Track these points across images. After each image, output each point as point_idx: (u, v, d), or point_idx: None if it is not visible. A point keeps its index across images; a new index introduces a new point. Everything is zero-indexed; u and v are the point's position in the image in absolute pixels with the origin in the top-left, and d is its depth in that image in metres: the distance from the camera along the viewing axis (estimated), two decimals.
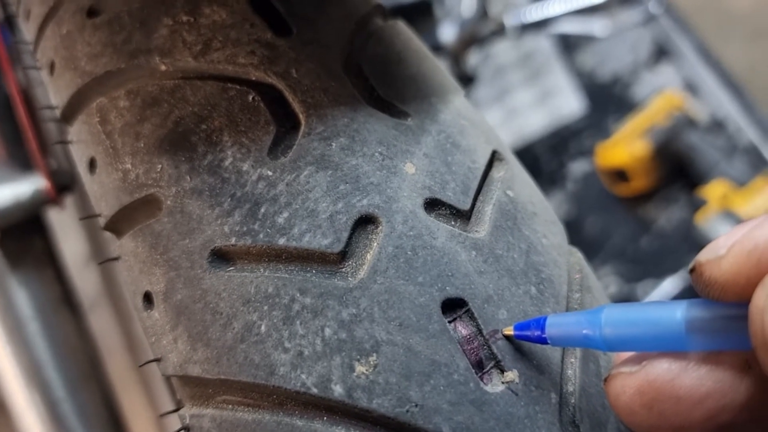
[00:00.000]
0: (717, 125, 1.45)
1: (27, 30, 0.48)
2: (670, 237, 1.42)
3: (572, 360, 0.32)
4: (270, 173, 0.32)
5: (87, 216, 0.39)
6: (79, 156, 0.40)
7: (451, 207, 0.33)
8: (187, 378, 0.32)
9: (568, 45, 1.76)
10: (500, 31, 1.47)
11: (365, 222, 0.31)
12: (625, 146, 1.41)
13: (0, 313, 0.73)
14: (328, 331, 0.29)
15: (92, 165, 0.38)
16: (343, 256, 0.31)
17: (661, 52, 1.66)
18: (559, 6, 1.72)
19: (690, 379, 0.25)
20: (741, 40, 2.13)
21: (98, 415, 0.77)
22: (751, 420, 0.24)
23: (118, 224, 0.37)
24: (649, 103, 1.49)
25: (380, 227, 0.31)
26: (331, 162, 0.33)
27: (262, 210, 0.32)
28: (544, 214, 0.37)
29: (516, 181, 0.37)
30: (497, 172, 0.37)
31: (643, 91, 1.61)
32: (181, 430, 0.33)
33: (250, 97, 0.34)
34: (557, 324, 0.29)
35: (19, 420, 0.75)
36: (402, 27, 0.42)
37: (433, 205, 0.33)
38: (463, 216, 0.33)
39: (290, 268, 0.31)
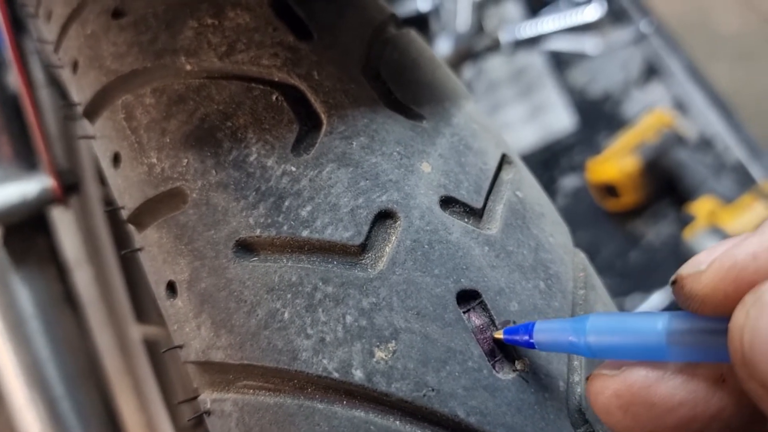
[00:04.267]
0: (705, 143, 1.48)
1: (48, 30, 0.49)
2: (659, 252, 1.44)
3: None
4: (294, 169, 0.34)
5: (111, 208, 0.40)
6: (102, 151, 0.41)
7: (464, 205, 0.35)
8: (209, 364, 0.33)
9: (560, 62, 1.79)
10: (495, 46, 1.49)
11: (384, 217, 0.33)
12: (616, 162, 1.44)
13: (1, 311, 0.73)
14: (349, 319, 0.31)
15: (116, 159, 0.39)
16: (363, 248, 0.32)
17: (651, 71, 1.70)
18: (552, 23, 1.75)
19: (665, 387, 0.26)
20: (727, 60, 2.17)
21: (96, 413, 0.78)
22: (722, 431, 0.26)
23: (140, 216, 0.38)
24: (639, 120, 1.52)
25: (398, 222, 0.33)
26: (352, 159, 0.34)
27: (286, 203, 0.33)
28: (550, 215, 0.39)
29: (524, 183, 0.39)
30: (506, 174, 0.38)
31: (633, 109, 1.64)
32: (201, 414, 0.34)
33: (274, 97, 0.36)
34: (544, 330, 0.30)
35: (19, 417, 0.75)
36: (415, 36, 0.44)
37: (447, 202, 0.34)
38: (476, 214, 0.35)
39: (312, 259, 0.32)
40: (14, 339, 0.74)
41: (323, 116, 0.35)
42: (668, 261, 1.41)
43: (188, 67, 0.38)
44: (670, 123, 1.46)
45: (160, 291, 0.36)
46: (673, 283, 0.25)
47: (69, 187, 0.71)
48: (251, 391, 0.32)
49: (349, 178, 0.34)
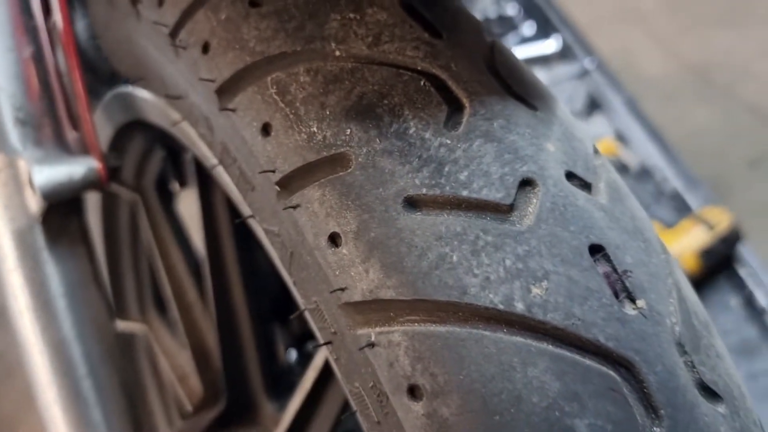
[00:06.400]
0: (645, 173, 1.63)
1: (158, 14, 0.54)
2: None
3: (671, 300, 0.41)
4: (448, 141, 0.41)
5: (264, 170, 0.45)
6: (246, 121, 0.46)
7: (581, 179, 0.42)
8: (376, 302, 0.39)
9: None
10: None
11: (525, 183, 0.40)
12: None
13: (33, 288, 0.75)
14: (508, 262, 0.37)
15: (266, 129, 0.44)
16: (511, 207, 0.39)
17: (594, 105, 1.85)
18: None
19: None
20: (652, 102, 2.37)
21: (116, 394, 0.80)
22: None
23: (293, 179, 0.43)
24: None
25: (537, 188, 0.40)
26: (495, 137, 0.41)
27: (446, 169, 0.40)
28: (632, 196, 0.47)
29: (610, 169, 0.47)
30: (598, 160, 0.46)
31: None
32: (366, 347, 0.40)
33: (422, 82, 0.43)
34: None
35: (40, 395, 0.76)
36: (504, 44, 0.52)
37: (569, 176, 0.42)
38: (588, 187, 0.43)
39: (469, 214, 0.39)
40: (42, 317, 0.76)
41: (465, 101, 0.42)
42: None
43: (337, 53, 0.44)
44: (615, 152, 1.61)
45: (319, 242, 0.42)
46: None
47: (112, 170, 0.74)
48: (416, 324, 0.38)
49: (495, 151, 0.41)
